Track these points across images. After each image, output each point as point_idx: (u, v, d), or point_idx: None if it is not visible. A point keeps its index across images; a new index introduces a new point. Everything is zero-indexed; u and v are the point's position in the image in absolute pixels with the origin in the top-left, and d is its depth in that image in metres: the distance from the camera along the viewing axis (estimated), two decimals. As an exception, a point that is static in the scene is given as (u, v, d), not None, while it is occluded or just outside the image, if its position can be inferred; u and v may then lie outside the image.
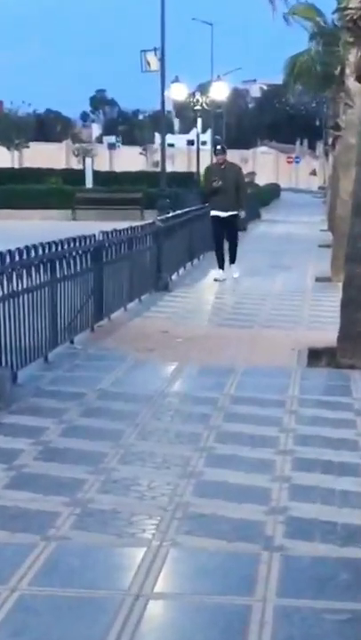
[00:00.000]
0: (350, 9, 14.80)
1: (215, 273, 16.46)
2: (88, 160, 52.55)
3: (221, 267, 16.43)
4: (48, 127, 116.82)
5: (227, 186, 15.97)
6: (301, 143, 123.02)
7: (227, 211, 16.15)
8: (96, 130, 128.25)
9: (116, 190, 41.13)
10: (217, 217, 16.33)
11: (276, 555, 4.58)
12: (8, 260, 8.07)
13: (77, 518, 5.05)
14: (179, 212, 19.08)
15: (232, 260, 16.71)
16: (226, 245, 16.78)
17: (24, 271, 8.47)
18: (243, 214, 16.71)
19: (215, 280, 16.05)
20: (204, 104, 40.62)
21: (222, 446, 6.44)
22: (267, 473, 5.84)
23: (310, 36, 20.14)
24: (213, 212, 16.37)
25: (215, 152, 16.87)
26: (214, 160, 17.04)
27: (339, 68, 18.88)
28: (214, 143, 18.94)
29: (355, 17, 14.54)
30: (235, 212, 16.27)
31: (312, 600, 4.10)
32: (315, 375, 8.97)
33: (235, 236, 16.73)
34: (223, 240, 16.57)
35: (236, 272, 16.57)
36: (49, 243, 9.26)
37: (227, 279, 16.14)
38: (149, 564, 4.48)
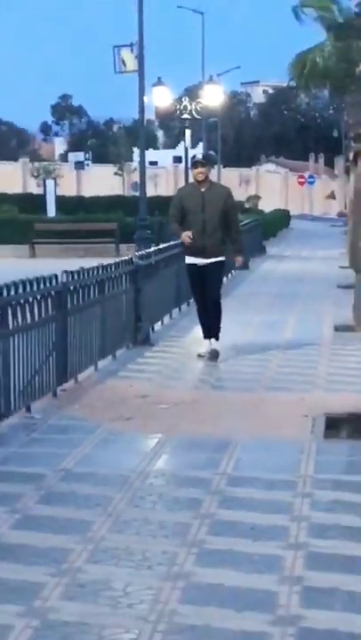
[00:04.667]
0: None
1: (201, 346, 14.06)
2: (50, 183, 52.78)
3: (208, 336, 13.89)
4: (1, 142, 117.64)
5: (208, 217, 13.31)
6: (316, 159, 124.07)
7: (206, 255, 13.44)
8: (60, 145, 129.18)
9: (84, 220, 41.35)
10: (193, 266, 13.68)
11: None
12: None
13: (34, 632, 5.03)
14: (163, 246, 19.18)
15: (213, 333, 13.75)
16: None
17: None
18: (240, 260, 14.50)
19: (200, 356, 13.76)
20: (193, 112, 40.90)
21: (217, 540, 6.43)
22: (273, 573, 5.83)
23: (327, 28, 20.47)
24: (188, 259, 13.73)
25: (193, 164, 13.75)
26: (190, 179, 14.20)
27: (360, 66, 19.18)
28: (194, 156, 15.04)
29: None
30: (219, 259, 13.59)
31: None
32: (333, 449, 8.96)
33: (216, 294, 13.76)
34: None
35: (215, 345, 13.70)
36: (0, 286, 9.30)
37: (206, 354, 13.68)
38: None
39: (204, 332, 13.87)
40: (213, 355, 13.50)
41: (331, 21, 20.28)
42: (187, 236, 13.31)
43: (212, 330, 13.70)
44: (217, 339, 13.67)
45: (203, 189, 13.41)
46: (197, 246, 13.33)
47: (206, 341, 13.79)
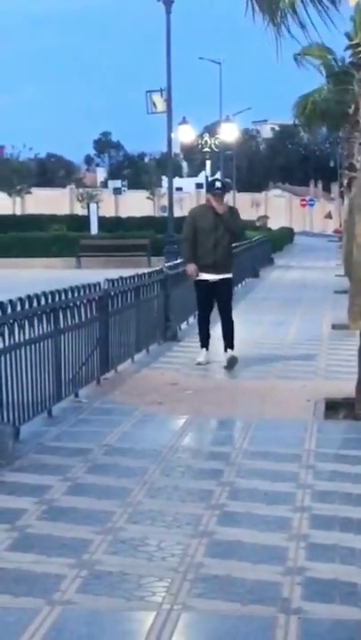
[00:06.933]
0: (364, 45, 15.06)
1: (198, 354, 12.63)
2: (93, 205, 52.74)
3: (205, 345, 12.62)
4: (51, 172, 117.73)
5: (221, 237, 12.25)
6: (316, 185, 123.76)
7: (217, 271, 12.30)
8: (101, 174, 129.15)
9: (121, 236, 41.34)
10: (203, 281, 12.42)
11: (293, 618, 4.55)
12: (9, 310, 8.12)
13: (83, 581, 5.03)
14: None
15: (229, 344, 12.42)
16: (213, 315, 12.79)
17: (26, 322, 8.53)
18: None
19: (198, 364, 12.38)
20: (212, 146, 40.94)
21: (235, 504, 6.42)
22: (283, 531, 5.81)
23: (325, 75, 20.42)
24: (199, 275, 12.40)
25: (213, 191, 12.42)
26: (206, 201, 12.74)
27: (353, 107, 19.11)
28: (208, 182, 13.18)
29: (369, 54, 14.79)
30: (228, 275, 12.49)
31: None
32: (332, 428, 8.94)
33: (228, 308, 12.56)
34: (210, 312, 12.69)
35: (232, 353, 12.40)
36: (52, 292, 9.32)
37: (209, 361, 12.46)
38: (160, 629, 4.46)
39: (201, 341, 12.61)
40: (232, 362, 12.22)
41: (328, 68, 20.23)
42: (195, 270, 12.34)
43: (226, 340, 12.41)
44: (232, 348, 12.38)
45: (216, 212, 12.22)
46: (208, 262, 12.25)
47: (203, 350, 12.54)
